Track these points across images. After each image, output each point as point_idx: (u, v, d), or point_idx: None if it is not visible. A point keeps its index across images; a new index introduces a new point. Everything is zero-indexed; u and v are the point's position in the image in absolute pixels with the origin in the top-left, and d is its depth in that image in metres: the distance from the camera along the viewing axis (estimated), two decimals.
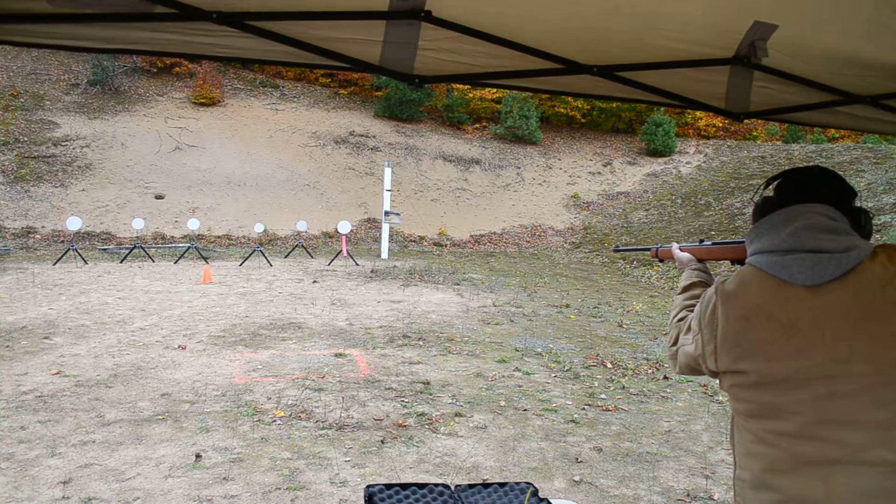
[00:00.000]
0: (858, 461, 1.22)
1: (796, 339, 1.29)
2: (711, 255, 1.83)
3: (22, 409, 4.83)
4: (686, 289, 1.71)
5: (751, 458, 1.35)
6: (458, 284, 12.13)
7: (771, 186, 1.49)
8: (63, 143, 18.63)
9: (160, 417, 4.75)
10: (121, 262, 13.95)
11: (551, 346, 7.45)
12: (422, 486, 2.44)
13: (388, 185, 16.61)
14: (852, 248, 1.30)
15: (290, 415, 4.85)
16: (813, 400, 1.26)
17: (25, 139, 18.35)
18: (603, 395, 5.63)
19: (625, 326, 8.79)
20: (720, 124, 27.43)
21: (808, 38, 1.82)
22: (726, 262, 1.83)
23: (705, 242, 1.86)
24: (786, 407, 1.29)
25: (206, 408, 4.98)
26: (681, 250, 1.90)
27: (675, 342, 1.56)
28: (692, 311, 1.59)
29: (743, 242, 1.75)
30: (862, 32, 1.73)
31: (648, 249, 2.13)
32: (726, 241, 1.83)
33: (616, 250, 2.48)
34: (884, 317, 1.25)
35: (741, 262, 1.77)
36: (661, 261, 2.08)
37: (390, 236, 17.39)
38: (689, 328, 1.50)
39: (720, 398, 5.61)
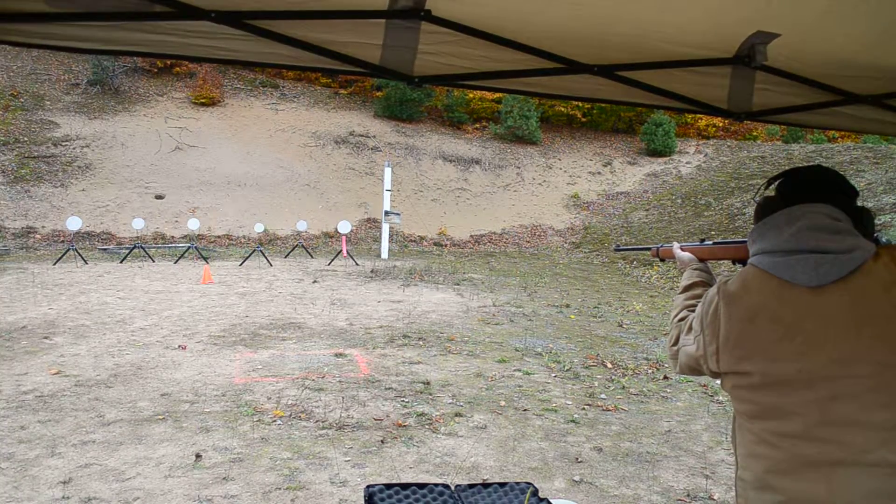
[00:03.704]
0: (861, 462, 1.22)
1: (799, 339, 1.28)
2: (713, 255, 1.83)
3: (22, 409, 4.83)
4: (687, 288, 1.71)
5: (753, 458, 1.35)
6: (458, 284, 12.13)
7: (772, 186, 1.48)
8: (63, 143, 18.62)
9: (160, 417, 4.74)
10: (121, 262, 13.94)
11: (551, 346, 7.45)
12: (422, 486, 2.43)
13: (388, 185, 16.60)
14: (855, 249, 1.29)
15: (290, 415, 4.85)
16: (816, 401, 1.26)
17: (25, 139, 18.35)
18: (603, 395, 5.63)
19: (625, 326, 8.78)
20: (720, 124, 27.40)
21: (809, 44, 1.82)
22: (727, 261, 1.83)
23: (706, 242, 1.85)
24: (788, 408, 1.28)
25: (206, 408, 4.97)
26: (682, 250, 1.89)
27: (676, 342, 1.56)
28: (693, 310, 1.58)
29: (744, 242, 1.74)
30: (865, 40, 1.74)
31: (649, 249, 2.12)
32: (727, 240, 1.83)
33: (617, 250, 2.48)
34: (887, 318, 1.25)
35: (743, 261, 1.76)
36: (661, 260, 2.08)
37: (390, 236, 17.38)
38: (690, 328, 1.49)
39: (720, 398, 5.60)
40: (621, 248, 2.35)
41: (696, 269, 1.76)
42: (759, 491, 1.32)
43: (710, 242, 1.84)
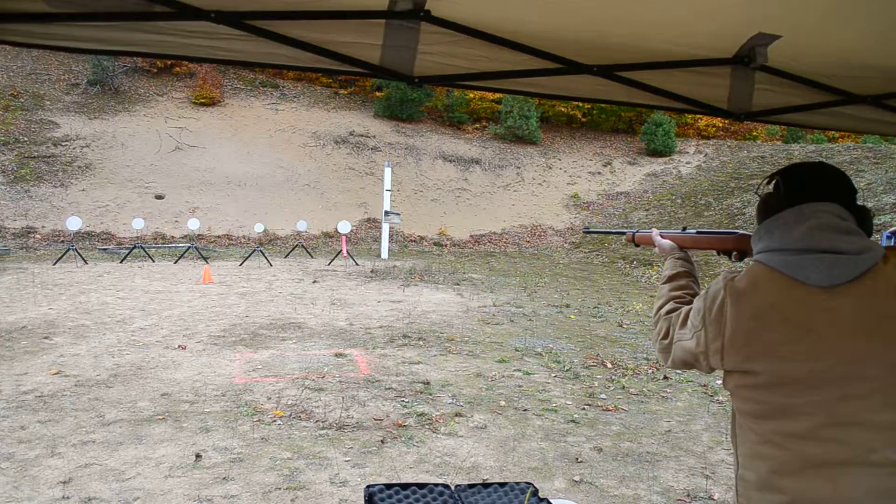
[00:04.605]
0: (865, 462, 1.22)
1: (809, 340, 1.28)
2: (695, 245, 1.78)
3: (22, 409, 4.83)
4: (671, 278, 1.67)
5: (756, 459, 1.33)
6: (458, 284, 12.13)
7: (772, 183, 1.47)
8: (63, 143, 18.62)
9: (160, 417, 4.74)
10: (121, 262, 13.94)
11: (551, 346, 7.45)
12: (422, 486, 2.43)
13: (388, 185, 16.60)
14: (867, 251, 1.29)
15: (290, 415, 4.85)
16: (825, 401, 1.25)
17: (25, 139, 18.35)
18: (603, 395, 5.63)
19: (625, 326, 8.78)
20: (720, 124, 27.42)
21: (810, 45, 1.82)
22: (728, 258, 1.80)
23: (688, 230, 1.81)
24: (796, 408, 1.27)
25: (206, 408, 4.97)
26: (662, 237, 1.84)
27: (667, 335, 1.52)
28: (681, 302, 1.56)
29: (731, 234, 1.73)
30: (865, 40, 1.74)
31: (623, 233, 2.05)
32: (711, 230, 1.79)
33: (586, 231, 2.42)
34: None
35: (727, 252, 1.74)
36: (636, 246, 2.01)
37: (390, 236, 17.38)
38: (684, 322, 1.46)
39: (720, 398, 5.60)
40: (591, 230, 2.30)
41: (678, 259, 1.73)
42: (763, 491, 1.31)
43: (694, 231, 1.79)
